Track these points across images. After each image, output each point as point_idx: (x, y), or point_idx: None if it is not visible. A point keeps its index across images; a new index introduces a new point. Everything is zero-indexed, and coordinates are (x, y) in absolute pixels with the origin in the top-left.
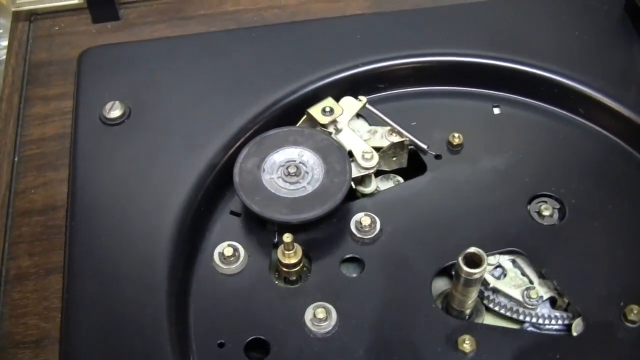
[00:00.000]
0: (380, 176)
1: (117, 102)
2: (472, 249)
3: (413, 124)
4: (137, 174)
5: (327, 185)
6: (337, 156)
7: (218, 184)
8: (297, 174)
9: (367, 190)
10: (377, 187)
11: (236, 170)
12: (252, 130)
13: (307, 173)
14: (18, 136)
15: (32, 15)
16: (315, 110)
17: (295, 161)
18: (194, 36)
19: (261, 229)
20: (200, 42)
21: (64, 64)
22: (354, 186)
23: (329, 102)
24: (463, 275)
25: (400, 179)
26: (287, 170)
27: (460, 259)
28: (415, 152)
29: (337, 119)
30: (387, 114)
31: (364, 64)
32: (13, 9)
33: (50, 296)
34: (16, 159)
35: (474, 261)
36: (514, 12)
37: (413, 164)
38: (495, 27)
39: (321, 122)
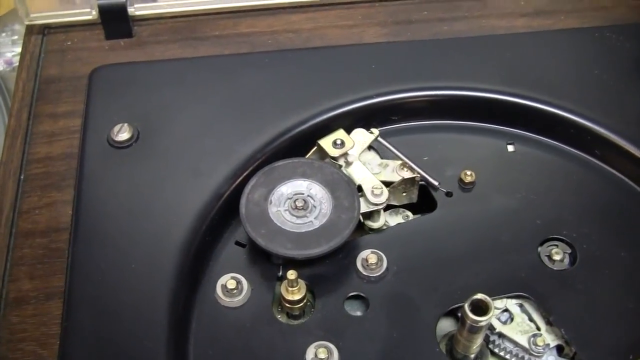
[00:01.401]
0: (389, 210)
1: (125, 124)
2: (479, 296)
3: (425, 158)
4: (142, 200)
5: (335, 220)
6: (346, 191)
7: (224, 213)
8: (304, 208)
9: (375, 225)
10: (386, 221)
11: (243, 201)
12: (260, 159)
13: (315, 207)
14: (25, 154)
15: (45, 29)
16: (326, 143)
17: (303, 194)
18: (206, 59)
19: (266, 261)
20: (212, 65)
21: (74, 81)
22: (361, 220)
23: (340, 134)
24: (469, 322)
25: (410, 214)
26: (294, 204)
27: (466, 306)
28: (425, 187)
29: (348, 152)
30: (399, 147)
31: (377, 95)
32: (27, 23)
33: (49, 322)
34: (22, 177)
35: (481, 307)
36: (533, 47)
37: (423, 199)
38: (513, 62)
39: (332, 154)
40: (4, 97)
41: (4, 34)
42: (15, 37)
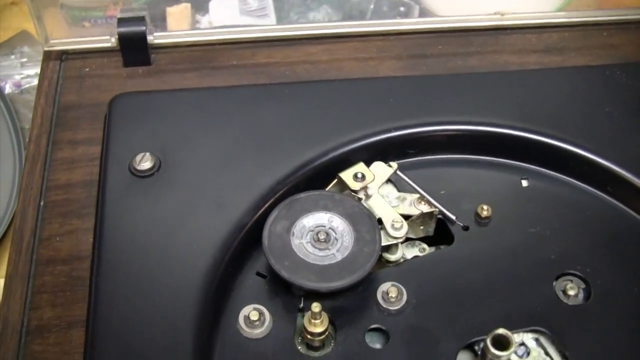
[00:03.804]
0: (406, 243)
1: (147, 153)
2: (501, 331)
3: (442, 192)
4: (165, 230)
5: (357, 253)
6: (368, 225)
7: (246, 244)
8: (326, 241)
9: (393, 257)
10: (403, 254)
11: (265, 233)
12: (281, 191)
13: (337, 240)
14: (45, 180)
15: (63, 55)
16: (347, 176)
17: (325, 227)
18: (227, 89)
19: (287, 292)
20: (232, 95)
21: (93, 108)
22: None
23: (360, 167)
24: (489, 356)
25: (426, 247)
26: (316, 236)
27: (488, 340)
28: (442, 220)
29: (368, 185)
30: (416, 180)
31: (396, 129)
32: (46, 48)
33: (71, 350)
34: (42, 204)
35: (502, 343)
36: (546, 84)
37: (438, 231)
38: (527, 98)
39: (352, 187)
40: (12, 119)
41: (12, 56)
42: (24, 59)
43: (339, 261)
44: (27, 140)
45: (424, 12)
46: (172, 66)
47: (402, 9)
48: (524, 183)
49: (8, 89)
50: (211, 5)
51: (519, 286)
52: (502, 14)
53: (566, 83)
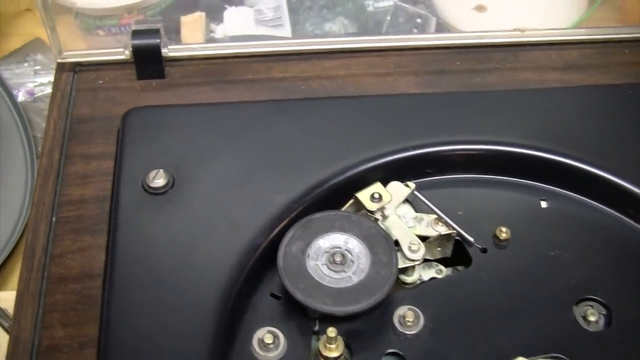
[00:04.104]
0: (423, 264)
1: (161, 170)
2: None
3: (460, 213)
4: (178, 249)
5: (373, 276)
6: (384, 247)
7: (261, 264)
8: (342, 263)
9: (409, 279)
10: (420, 276)
11: (281, 253)
12: (297, 211)
13: (353, 262)
14: (57, 195)
15: (77, 67)
16: (363, 196)
17: (341, 248)
18: (242, 104)
19: (302, 315)
20: (248, 111)
21: (106, 121)
22: None
23: (377, 187)
24: None
25: (443, 268)
26: (332, 258)
27: None
28: (460, 242)
29: (385, 206)
30: (434, 201)
31: (414, 148)
32: (59, 61)
33: None
34: (54, 219)
35: None
36: (567, 103)
37: (455, 252)
38: (548, 117)
39: (369, 208)
40: (25, 128)
41: (25, 64)
42: (38, 67)
43: (355, 284)
44: (40, 151)
45: (440, 25)
46: (187, 79)
47: (418, 20)
48: (543, 204)
49: (21, 97)
50: (226, 14)
51: (538, 311)
52: (522, 30)
53: (587, 102)
